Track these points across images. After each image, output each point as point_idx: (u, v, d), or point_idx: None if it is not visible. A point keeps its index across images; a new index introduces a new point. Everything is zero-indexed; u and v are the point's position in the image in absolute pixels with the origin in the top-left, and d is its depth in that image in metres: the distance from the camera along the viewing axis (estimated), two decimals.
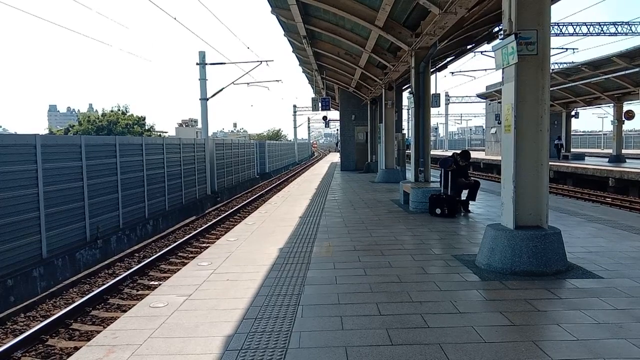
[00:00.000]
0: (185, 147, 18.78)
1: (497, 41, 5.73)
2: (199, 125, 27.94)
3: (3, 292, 8.47)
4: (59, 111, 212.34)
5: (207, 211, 19.15)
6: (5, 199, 8.98)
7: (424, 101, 11.08)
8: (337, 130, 42.54)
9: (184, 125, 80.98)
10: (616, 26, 30.36)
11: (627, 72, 20.00)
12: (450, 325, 3.83)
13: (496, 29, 11.55)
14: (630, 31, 30.29)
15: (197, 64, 23.62)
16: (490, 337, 3.59)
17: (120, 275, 9.46)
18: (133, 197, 14.15)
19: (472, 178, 10.43)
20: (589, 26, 30.21)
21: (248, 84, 28.10)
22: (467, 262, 5.73)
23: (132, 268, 10.00)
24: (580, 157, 30.33)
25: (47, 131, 53.02)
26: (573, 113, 31.30)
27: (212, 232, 14.14)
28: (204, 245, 12.14)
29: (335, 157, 42.90)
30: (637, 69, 19.22)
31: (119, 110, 45.00)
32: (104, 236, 12.15)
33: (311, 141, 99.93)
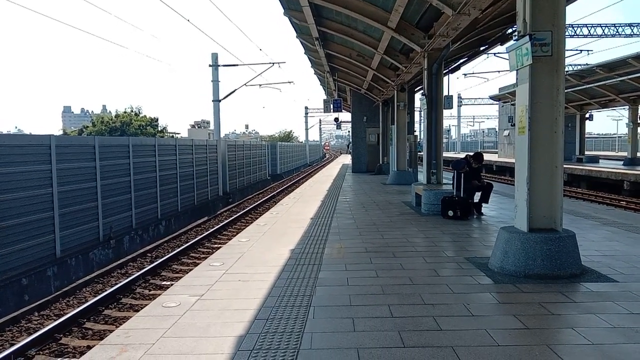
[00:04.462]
0: (198, 149, 18.89)
1: (511, 42, 5.69)
2: (211, 126, 28.10)
3: (18, 290, 8.59)
4: (73, 112, 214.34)
5: (219, 212, 19.23)
6: (20, 198, 9.10)
7: (437, 103, 11.03)
8: (349, 132, 42.53)
9: (197, 127, 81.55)
10: (632, 27, 29.99)
11: None
12: (463, 328, 3.80)
13: (510, 30, 11.46)
14: None
15: (209, 65, 23.77)
16: (503, 341, 3.56)
17: (133, 275, 9.52)
18: (146, 197, 14.26)
19: (485, 180, 10.36)
20: (604, 27, 29.89)
21: (260, 85, 28.26)
22: (480, 265, 5.69)
23: (144, 268, 10.07)
24: (594, 159, 30.00)
25: (61, 132, 53.62)
26: (587, 115, 30.98)
27: (224, 232, 14.19)
28: (216, 245, 12.18)
29: (346, 159, 42.82)
30: None
31: (132, 111, 45.35)
32: (117, 236, 12.25)
33: (323, 143, 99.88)
